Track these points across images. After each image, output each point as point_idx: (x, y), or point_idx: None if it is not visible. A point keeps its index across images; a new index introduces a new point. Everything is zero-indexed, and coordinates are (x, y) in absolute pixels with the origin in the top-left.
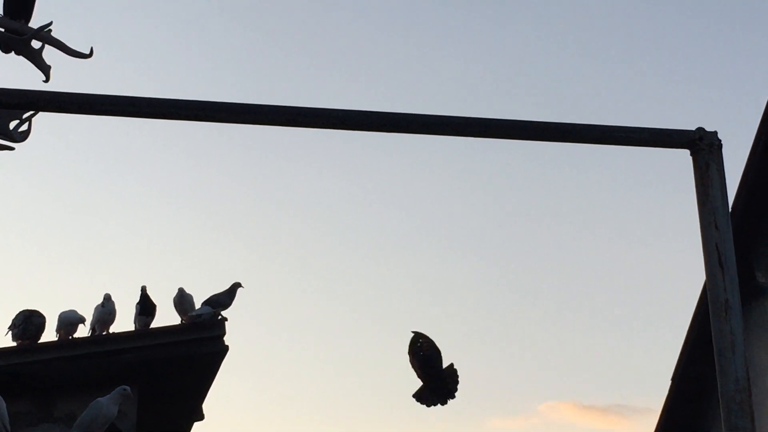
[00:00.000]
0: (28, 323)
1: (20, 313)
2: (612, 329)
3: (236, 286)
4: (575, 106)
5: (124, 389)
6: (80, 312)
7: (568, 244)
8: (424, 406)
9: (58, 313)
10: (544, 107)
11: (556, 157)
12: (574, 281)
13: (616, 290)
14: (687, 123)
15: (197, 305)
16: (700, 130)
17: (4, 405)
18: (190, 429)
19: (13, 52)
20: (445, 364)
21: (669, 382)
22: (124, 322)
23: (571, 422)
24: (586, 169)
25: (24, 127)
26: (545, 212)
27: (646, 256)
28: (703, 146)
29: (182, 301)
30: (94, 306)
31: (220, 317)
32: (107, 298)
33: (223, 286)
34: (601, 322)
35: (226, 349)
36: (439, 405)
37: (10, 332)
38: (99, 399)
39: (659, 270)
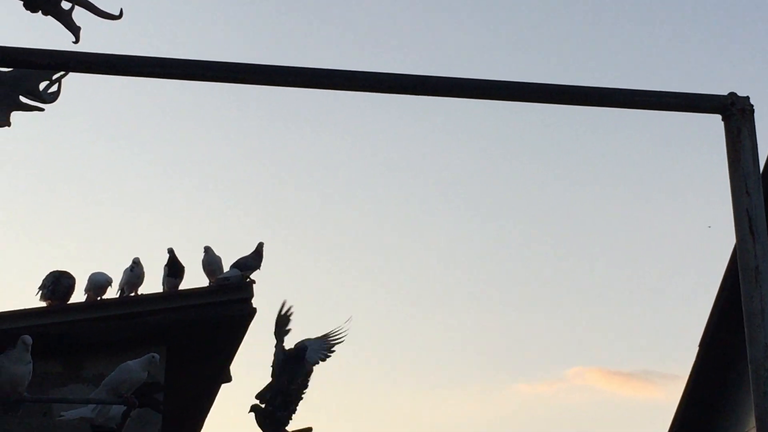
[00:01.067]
0: (57, 284)
1: (50, 274)
2: (640, 295)
3: (261, 246)
4: (606, 69)
5: (153, 357)
6: (109, 274)
7: (598, 209)
8: None
9: (88, 275)
10: (574, 71)
11: (587, 121)
12: (603, 246)
13: (644, 255)
14: (719, 88)
15: (225, 267)
16: (732, 95)
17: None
18: (217, 391)
19: (41, 13)
20: None
21: (696, 349)
22: (152, 284)
23: (598, 388)
24: (617, 133)
25: (53, 88)
26: (574, 176)
27: (676, 222)
28: (735, 111)
29: (210, 261)
30: (123, 269)
31: (248, 280)
32: (136, 263)
33: (250, 248)
34: (630, 288)
35: (253, 311)
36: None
37: (40, 293)
38: (128, 362)
39: (688, 235)
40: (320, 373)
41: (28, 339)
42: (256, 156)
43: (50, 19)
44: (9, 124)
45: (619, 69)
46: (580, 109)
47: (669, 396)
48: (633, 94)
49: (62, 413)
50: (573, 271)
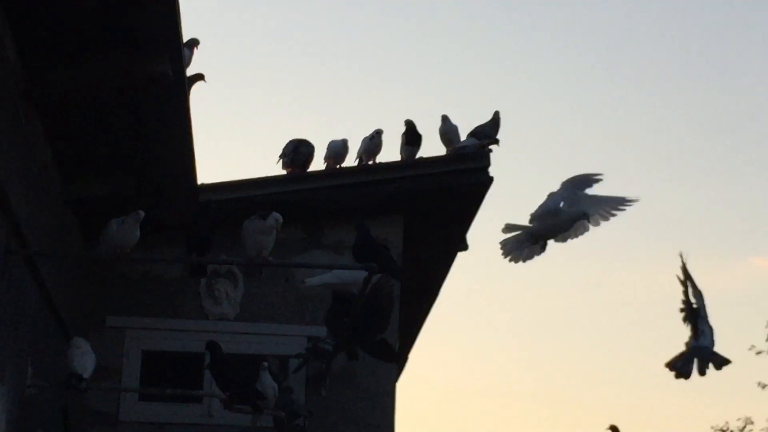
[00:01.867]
0: (296, 152)
1: (289, 142)
2: None
3: (497, 114)
4: None
5: None
6: (349, 142)
7: None
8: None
9: (327, 142)
10: None
11: None
12: None
13: None
14: None
15: (462, 136)
16: None
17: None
18: (453, 258)
19: None
20: None
21: None
22: (390, 154)
23: None
24: None
25: None
26: None
27: None
28: None
29: (447, 130)
30: (362, 138)
31: (485, 148)
32: (378, 133)
33: (486, 117)
34: None
35: (490, 180)
36: None
37: (281, 161)
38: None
39: None
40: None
41: (279, 218)
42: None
43: None
44: None
45: None
46: None
47: None
48: None
49: (305, 279)
50: None
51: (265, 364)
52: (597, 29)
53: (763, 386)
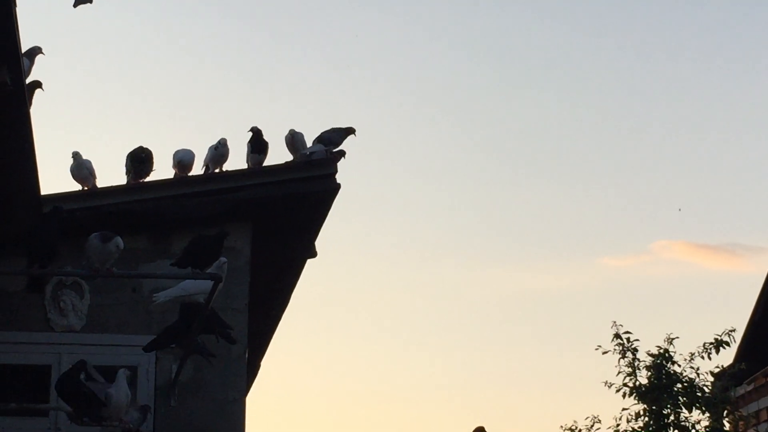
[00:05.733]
0: (135, 163)
1: (127, 157)
2: (726, 166)
3: (350, 131)
4: None
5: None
6: (195, 152)
7: (683, 83)
8: None
9: (173, 152)
10: None
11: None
12: (687, 118)
13: (729, 127)
14: None
15: (309, 143)
16: None
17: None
18: (303, 266)
19: None
20: None
21: None
22: (237, 162)
23: (683, 260)
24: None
25: None
26: (662, 49)
27: (763, 93)
28: None
29: (293, 140)
30: (208, 146)
31: (332, 155)
32: (222, 143)
33: (338, 125)
34: (715, 159)
35: (338, 186)
36: None
37: (127, 177)
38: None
39: None
40: (412, 239)
41: (120, 245)
42: (341, 33)
43: None
44: (91, 1)
45: None
46: None
47: (755, 268)
48: None
49: (153, 296)
50: (658, 143)
51: (127, 371)
52: (440, 50)
53: (609, 385)
